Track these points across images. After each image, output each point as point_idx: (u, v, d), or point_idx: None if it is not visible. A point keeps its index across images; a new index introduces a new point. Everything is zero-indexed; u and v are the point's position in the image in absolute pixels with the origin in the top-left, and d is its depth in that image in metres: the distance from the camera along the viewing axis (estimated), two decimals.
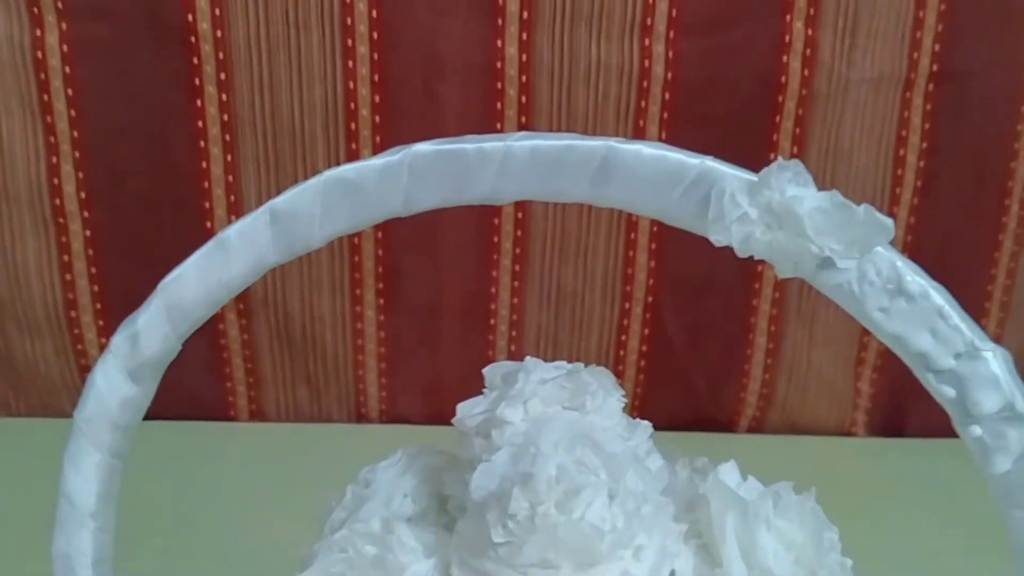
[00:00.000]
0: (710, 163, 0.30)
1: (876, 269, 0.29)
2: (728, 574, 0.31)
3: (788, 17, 0.68)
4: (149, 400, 0.33)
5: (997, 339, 0.76)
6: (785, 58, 0.69)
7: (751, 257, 0.30)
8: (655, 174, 0.30)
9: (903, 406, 0.78)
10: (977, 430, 0.29)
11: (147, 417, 0.33)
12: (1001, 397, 0.28)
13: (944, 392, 0.29)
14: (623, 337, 0.76)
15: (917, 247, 0.73)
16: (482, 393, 0.35)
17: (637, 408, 0.78)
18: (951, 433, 0.29)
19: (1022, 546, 0.29)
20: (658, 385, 0.77)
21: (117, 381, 0.32)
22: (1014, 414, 0.28)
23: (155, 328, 0.32)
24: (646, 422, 0.34)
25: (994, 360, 0.28)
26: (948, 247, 0.73)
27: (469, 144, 0.30)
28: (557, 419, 0.32)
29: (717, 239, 0.30)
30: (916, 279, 0.29)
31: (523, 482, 0.29)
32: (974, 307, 0.75)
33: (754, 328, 0.76)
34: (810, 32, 0.68)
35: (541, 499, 0.29)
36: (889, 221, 0.29)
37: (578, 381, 0.34)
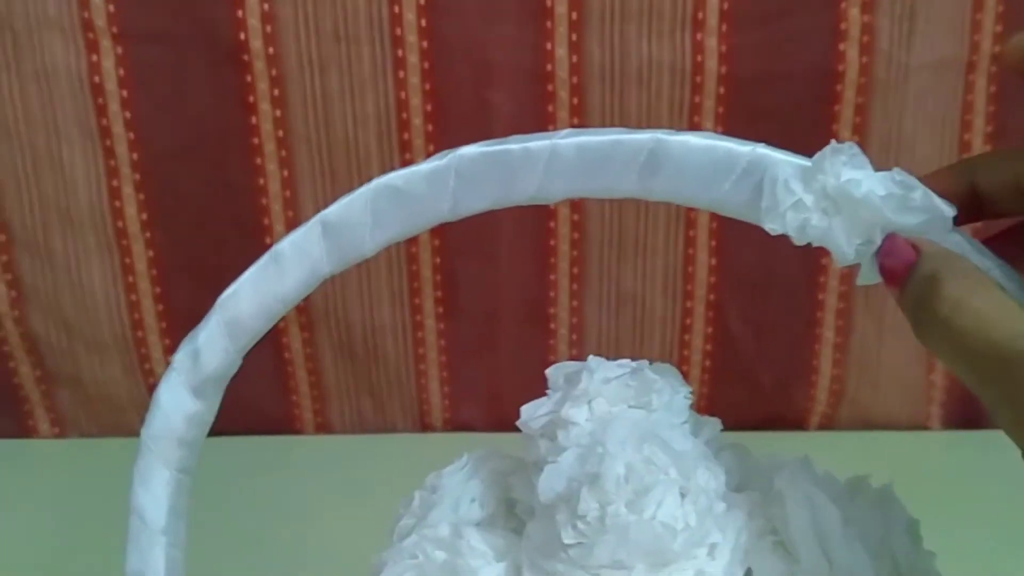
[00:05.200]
0: (761, 150, 0.30)
1: None
2: (807, 571, 0.30)
3: (843, 4, 0.67)
4: (213, 415, 0.33)
5: None
6: (842, 46, 0.68)
7: (811, 247, 0.29)
8: (705, 164, 0.30)
9: (977, 398, 0.76)
10: None
11: (214, 433, 0.33)
12: None
13: None
14: (686, 337, 0.75)
15: (987, 233, 0.71)
16: (545, 396, 0.34)
17: (704, 409, 0.76)
18: None
19: None
20: (724, 385, 0.76)
21: (181, 397, 0.32)
22: None
23: (215, 344, 0.32)
24: (714, 419, 0.34)
25: None
26: (1020, 231, 0.71)
27: (515, 144, 0.30)
28: (623, 418, 0.32)
29: (772, 227, 0.29)
30: (982, 260, 0.28)
31: (591, 482, 0.29)
32: None
33: (821, 322, 0.75)
34: (866, 19, 0.67)
35: (611, 499, 0.29)
36: (949, 209, 0.28)
37: (643, 379, 0.33)
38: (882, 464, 0.68)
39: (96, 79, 0.69)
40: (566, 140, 0.30)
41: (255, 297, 0.31)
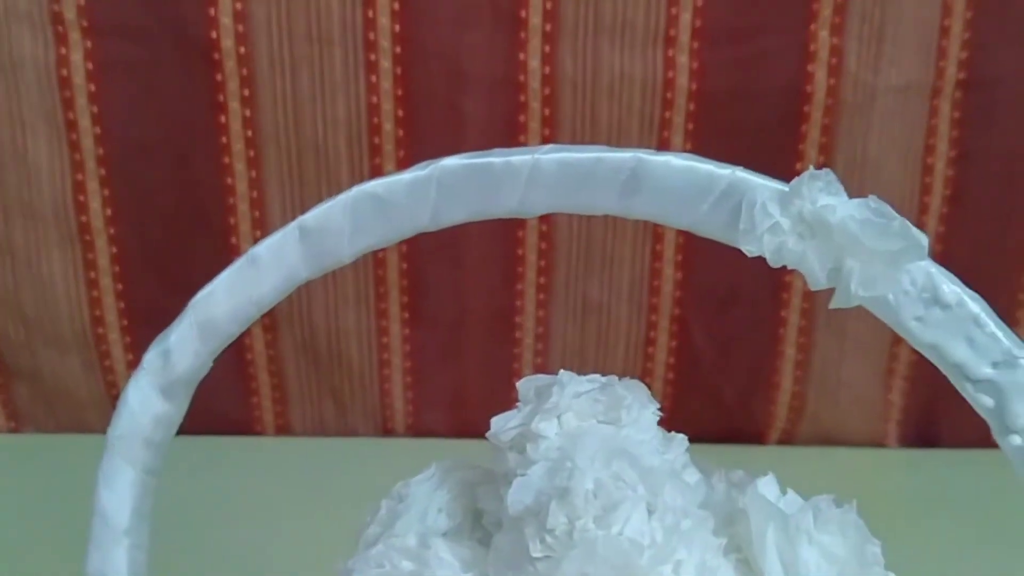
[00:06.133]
0: (740, 174, 0.30)
1: (911, 278, 0.29)
2: None
3: (813, 26, 0.68)
4: (181, 417, 0.33)
5: None
6: (810, 67, 0.69)
7: (778, 267, 0.30)
8: (684, 185, 0.30)
9: (935, 417, 0.77)
10: (1017, 439, 0.28)
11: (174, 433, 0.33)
12: None
13: (982, 402, 0.29)
14: (650, 349, 0.76)
15: (948, 256, 0.72)
16: (512, 406, 0.34)
17: (666, 421, 0.77)
18: (985, 443, 0.29)
19: None
20: (686, 398, 0.77)
21: (150, 398, 0.32)
22: None
23: (187, 345, 0.32)
24: (681, 435, 0.34)
25: None
26: (979, 255, 0.73)
27: (497, 158, 0.30)
28: (592, 433, 0.32)
29: (749, 249, 0.30)
30: (952, 287, 0.29)
31: (560, 496, 0.29)
32: (1007, 315, 0.74)
33: (783, 339, 0.76)
34: (835, 41, 0.68)
35: (579, 514, 0.29)
36: (923, 237, 0.29)
37: (612, 395, 0.33)
38: (840, 480, 0.69)
39: (64, 72, 0.69)
40: (548, 156, 0.30)
41: (230, 300, 0.31)
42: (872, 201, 0.29)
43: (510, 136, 0.69)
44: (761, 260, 0.30)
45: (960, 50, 0.69)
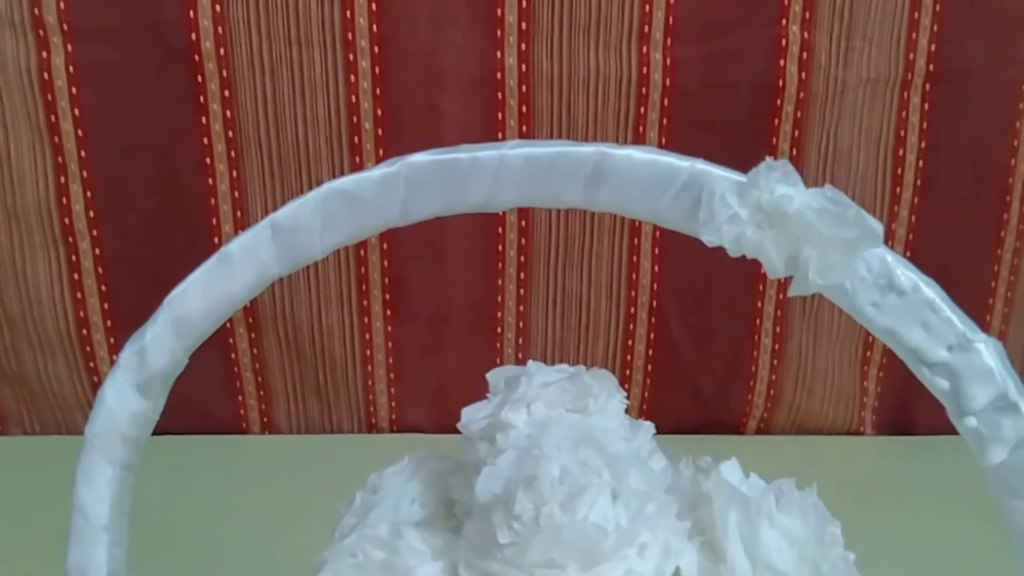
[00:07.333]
0: (700, 166, 0.30)
1: (867, 265, 0.29)
2: (732, 570, 0.31)
3: (784, 21, 0.69)
4: (158, 413, 0.33)
5: (1002, 335, 0.76)
6: (782, 62, 0.69)
7: (747, 258, 0.30)
8: (647, 178, 0.31)
9: (910, 404, 0.78)
10: (972, 421, 0.29)
11: (160, 432, 0.34)
12: (994, 388, 0.29)
13: (938, 385, 0.30)
14: (629, 342, 0.77)
15: (919, 246, 0.73)
16: (487, 398, 0.35)
17: (645, 412, 0.78)
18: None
19: (1021, 534, 0.29)
20: (665, 388, 0.78)
21: (126, 395, 0.32)
22: (1008, 404, 0.28)
23: (162, 342, 0.32)
24: (648, 423, 0.35)
25: (986, 351, 0.29)
26: (950, 245, 0.74)
27: (464, 153, 0.31)
28: (560, 421, 0.33)
29: (709, 240, 0.30)
30: (906, 273, 0.29)
31: (527, 484, 0.30)
32: (978, 303, 0.75)
33: (759, 329, 0.76)
34: (806, 36, 0.69)
35: (545, 500, 0.29)
36: (878, 225, 0.29)
37: (580, 384, 0.34)
38: (816, 468, 0.70)
39: (46, 75, 0.69)
40: (514, 151, 0.31)
41: (203, 297, 0.32)
42: (828, 190, 0.29)
43: (488, 133, 0.70)
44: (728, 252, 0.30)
45: (929, 43, 0.69)
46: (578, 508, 0.29)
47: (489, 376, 0.36)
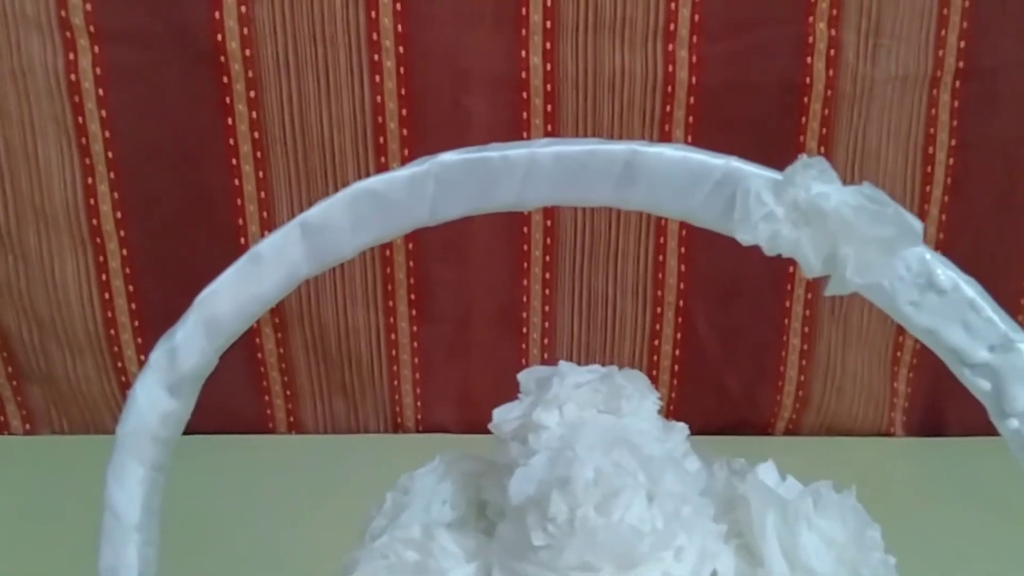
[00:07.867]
0: (735, 163, 0.30)
1: (906, 264, 0.29)
2: (770, 573, 0.31)
3: (811, 18, 0.68)
4: (188, 414, 0.33)
5: None
6: (809, 59, 0.69)
7: (780, 257, 0.30)
8: (679, 176, 0.30)
9: (941, 405, 0.77)
10: (1014, 423, 0.28)
11: (188, 432, 0.34)
12: None
13: (979, 386, 0.29)
14: (656, 342, 0.76)
15: (950, 244, 0.72)
16: (517, 399, 0.35)
17: (672, 413, 0.78)
18: (991, 431, 0.29)
19: None
20: (692, 389, 0.77)
21: (157, 395, 0.32)
22: None
23: (192, 343, 0.32)
24: (682, 424, 0.34)
25: None
26: (981, 243, 0.73)
27: (494, 152, 0.30)
28: (593, 422, 0.32)
29: (744, 239, 0.30)
30: (947, 272, 0.29)
31: (561, 485, 0.30)
32: (1009, 302, 0.74)
33: (787, 329, 0.76)
34: (833, 33, 0.68)
35: (580, 502, 0.29)
36: (917, 223, 0.28)
37: (612, 384, 0.34)
38: (846, 469, 0.69)
39: (73, 77, 0.69)
40: (544, 149, 0.30)
41: (234, 297, 0.31)
42: (866, 188, 0.29)
43: (513, 133, 0.70)
44: (761, 250, 0.30)
45: (959, 39, 0.69)
46: (613, 510, 0.29)
47: (520, 377, 0.35)
